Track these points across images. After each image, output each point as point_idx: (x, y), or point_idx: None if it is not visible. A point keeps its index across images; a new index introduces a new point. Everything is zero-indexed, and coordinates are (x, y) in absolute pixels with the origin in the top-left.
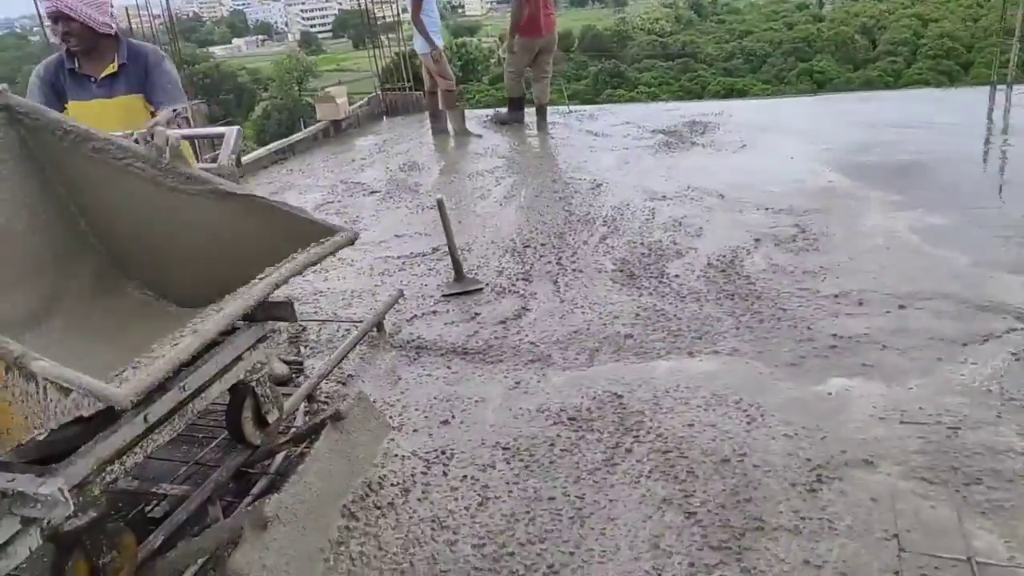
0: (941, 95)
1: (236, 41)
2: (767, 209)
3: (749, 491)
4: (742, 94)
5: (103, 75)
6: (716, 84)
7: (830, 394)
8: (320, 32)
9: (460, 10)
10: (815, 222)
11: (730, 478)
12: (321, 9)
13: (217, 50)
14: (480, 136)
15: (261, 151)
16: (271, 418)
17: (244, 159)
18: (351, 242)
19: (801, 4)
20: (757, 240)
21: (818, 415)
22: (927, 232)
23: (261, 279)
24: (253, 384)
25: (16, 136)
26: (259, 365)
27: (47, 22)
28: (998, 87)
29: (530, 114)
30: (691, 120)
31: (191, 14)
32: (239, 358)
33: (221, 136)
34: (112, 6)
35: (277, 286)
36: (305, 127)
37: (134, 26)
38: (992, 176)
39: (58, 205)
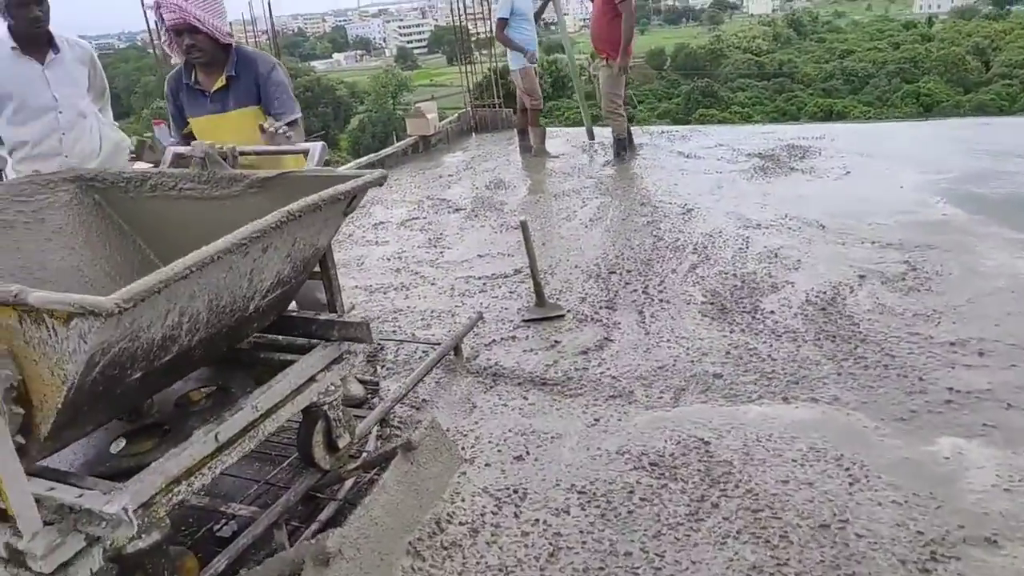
0: None
1: (336, 56)
2: (873, 243)
3: (851, 565)
4: (841, 116)
5: (215, 89)
6: (814, 105)
7: (946, 457)
8: (416, 48)
9: (553, 27)
10: (928, 259)
11: (829, 547)
12: (418, 26)
13: (318, 64)
14: (557, 156)
15: (350, 164)
16: (342, 443)
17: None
18: (380, 182)
19: (908, 23)
20: (862, 276)
21: (932, 480)
22: None
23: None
24: (325, 407)
25: (92, 202)
26: (332, 387)
27: (162, 36)
28: None
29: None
30: (789, 144)
31: (295, 29)
32: (312, 379)
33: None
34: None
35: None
36: (397, 140)
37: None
38: None
39: (134, 249)
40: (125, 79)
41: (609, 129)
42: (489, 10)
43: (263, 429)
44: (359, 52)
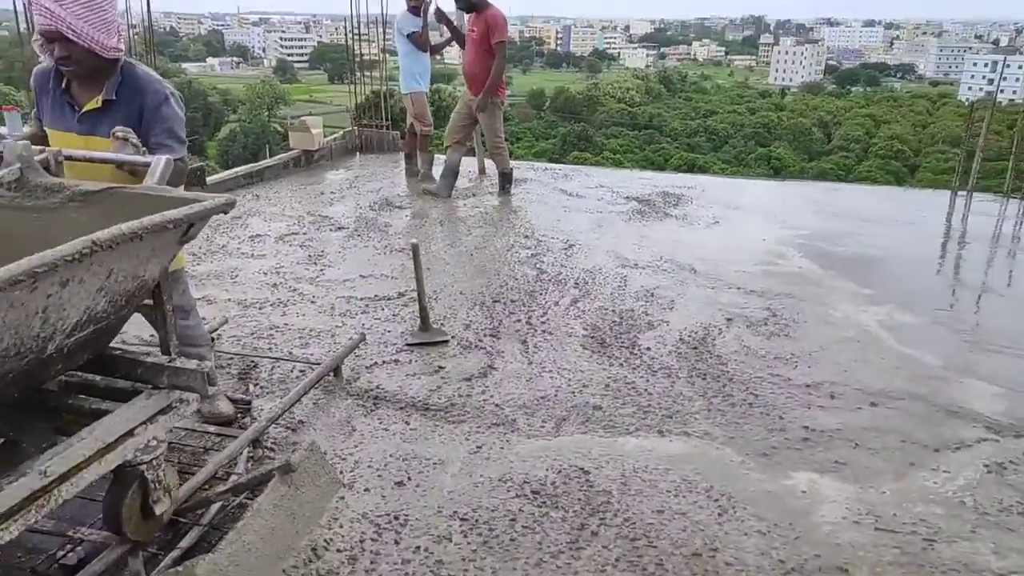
0: (902, 194)
1: (211, 60)
2: (739, 288)
3: None
4: (703, 170)
5: (86, 109)
6: (678, 158)
7: (803, 491)
8: (297, 62)
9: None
10: (786, 307)
11: (701, 575)
12: (300, 40)
13: (190, 67)
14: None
15: (227, 173)
16: (159, 508)
17: (210, 179)
18: (225, 209)
19: (764, 91)
20: (729, 320)
21: (791, 512)
22: (897, 329)
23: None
24: (143, 467)
25: None
26: (155, 442)
27: (34, 36)
28: (958, 192)
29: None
30: (664, 191)
31: (168, 27)
32: (130, 433)
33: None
34: (121, 24)
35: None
36: (271, 153)
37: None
38: (959, 279)
39: None
40: None
41: (487, 162)
42: (383, 32)
43: (57, 496)
44: (235, 59)
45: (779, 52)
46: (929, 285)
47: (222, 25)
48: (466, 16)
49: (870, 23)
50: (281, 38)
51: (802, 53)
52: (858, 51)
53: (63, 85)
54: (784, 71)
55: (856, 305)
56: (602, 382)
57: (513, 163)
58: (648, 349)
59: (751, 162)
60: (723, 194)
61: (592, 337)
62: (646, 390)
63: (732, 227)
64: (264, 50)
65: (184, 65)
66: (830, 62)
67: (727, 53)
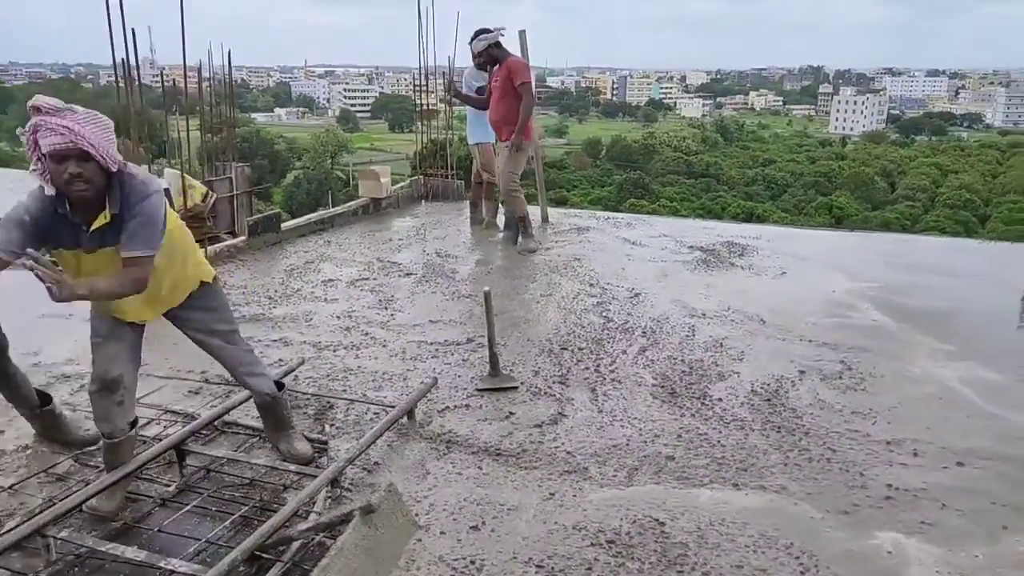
0: (976, 246)
1: (278, 110)
2: (810, 341)
3: None
4: (761, 219)
5: (94, 227)
6: (736, 207)
7: (889, 552)
8: (359, 111)
9: None
10: (862, 361)
11: None
12: (363, 90)
13: (259, 116)
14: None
15: (300, 220)
16: None
17: (284, 225)
18: None
19: (824, 140)
20: (802, 372)
21: (878, 573)
22: (980, 386)
23: None
24: None
25: None
26: None
27: (33, 164)
28: None
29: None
30: (728, 240)
31: (239, 80)
32: None
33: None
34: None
35: None
36: (333, 199)
37: (185, 86)
38: None
39: None
40: None
41: (559, 210)
42: (450, 83)
43: None
44: (301, 109)
45: (839, 101)
46: (1011, 341)
47: (289, 77)
48: (487, 75)
49: (934, 73)
50: (345, 89)
51: (863, 102)
52: (921, 100)
53: (67, 209)
54: (844, 120)
55: (935, 360)
56: (674, 432)
57: (573, 211)
58: (720, 400)
59: (811, 211)
60: (789, 244)
61: (662, 387)
62: (719, 442)
63: (800, 278)
64: (328, 100)
65: (253, 115)
66: (892, 111)
67: (785, 103)
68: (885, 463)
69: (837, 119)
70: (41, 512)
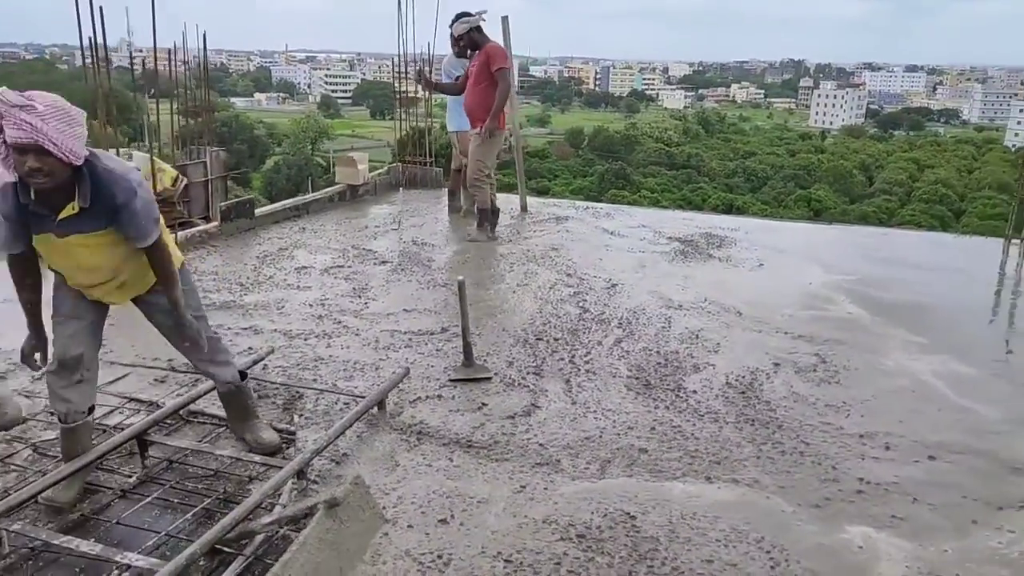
0: (952, 240)
1: (258, 95)
2: (786, 333)
3: None
4: (741, 211)
5: (61, 217)
6: (716, 198)
7: (860, 546)
8: (341, 98)
9: None
10: (836, 353)
11: None
12: (345, 77)
13: (238, 101)
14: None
15: (275, 206)
16: None
17: (257, 211)
18: None
19: (804, 134)
20: (776, 364)
21: (847, 568)
22: (953, 379)
23: None
24: None
25: None
26: None
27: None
28: (1012, 240)
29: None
30: (707, 232)
31: (219, 64)
32: None
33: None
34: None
35: None
36: (314, 185)
37: (161, 69)
38: (1015, 329)
39: None
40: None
41: (538, 200)
42: (430, 70)
43: None
44: (282, 95)
45: (819, 95)
46: (984, 334)
47: (270, 62)
48: (467, 62)
49: (912, 68)
50: (326, 75)
51: (843, 97)
52: (900, 96)
53: (30, 198)
54: (824, 114)
55: (909, 353)
56: (647, 425)
57: (552, 201)
58: (694, 392)
59: (791, 204)
60: (767, 236)
61: (636, 378)
62: (693, 434)
63: (777, 270)
64: (309, 86)
65: (232, 100)
66: (871, 106)
67: (766, 96)
68: (857, 456)
69: (817, 113)
70: None
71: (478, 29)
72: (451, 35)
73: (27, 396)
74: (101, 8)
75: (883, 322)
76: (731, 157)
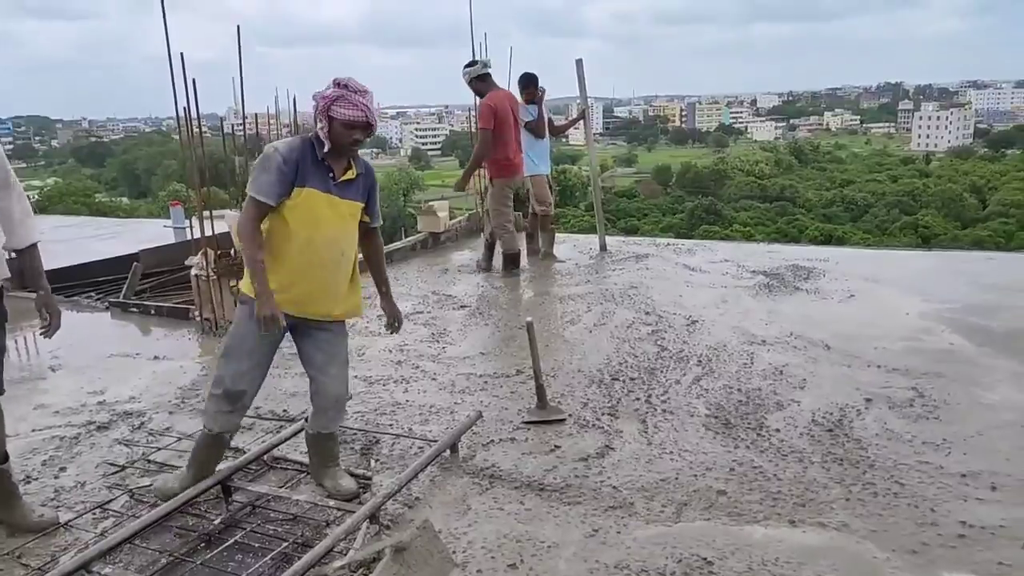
0: None
1: None
2: (879, 367)
3: None
4: (841, 241)
5: (343, 178)
6: (814, 229)
7: None
8: (430, 150)
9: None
10: (935, 387)
11: None
12: (433, 129)
13: None
14: (564, 261)
15: (360, 256)
16: None
17: None
18: None
19: (907, 158)
20: (868, 400)
21: None
22: None
23: None
24: None
25: None
26: None
27: (319, 121)
28: None
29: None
30: (793, 264)
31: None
32: None
33: None
34: None
35: None
36: (406, 234)
37: (262, 131)
38: None
39: None
40: (147, 161)
41: (606, 238)
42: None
43: None
44: (375, 150)
45: (921, 117)
46: None
47: None
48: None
49: (1023, 84)
50: (416, 129)
51: (947, 117)
52: (1011, 113)
53: (320, 158)
54: (928, 137)
55: (1017, 386)
56: (726, 465)
57: (633, 239)
58: (777, 431)
59: (896, 231)
60: (859, 266)
61: (716, 417)
62: (775, 475)
63: (870, 301)
64: (400, 140)
65: None
66: (980, 125)
67: (862, 121)
68: (959, 498)
69: (919, 136)
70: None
71: (480, 78)
72: (519, 82)
73: (126, 445)
74: (194, 81)
75: (989, 352)
76: (828, 186)
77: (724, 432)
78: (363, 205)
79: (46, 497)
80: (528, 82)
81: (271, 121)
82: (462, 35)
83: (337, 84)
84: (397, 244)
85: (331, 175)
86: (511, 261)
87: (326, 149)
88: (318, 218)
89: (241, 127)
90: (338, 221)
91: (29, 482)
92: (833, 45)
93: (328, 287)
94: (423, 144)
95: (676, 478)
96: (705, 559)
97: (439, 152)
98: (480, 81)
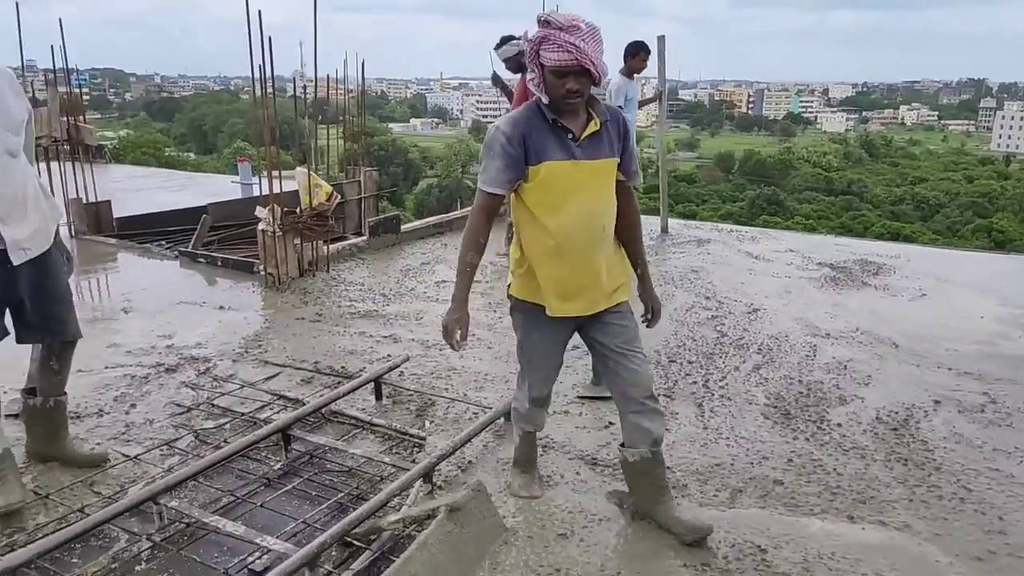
0: None
1: (414, 121)
2: (950, 369)
3: None
4: (909, 241)
5: (586, 134)
6: (880, 226)
7: None
8: (491, 122)
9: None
10: (1009, 393)
11: None
12: (495, 102)
13: (395, 126)
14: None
15: (419, 223)
16: None
17: (404, 227)
18: None
19: (985, 159)
20: (937, 402)
21: None
22: None
23: None
24: None
25: None
26: None
27: (531, 74)
28: None
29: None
30: (862, 258)
31: (379, 92)
32: None
33: None
34: None
35: None
36: (462, 207)
37: (329, 97)
38: None
39: None
40: (214, 119)
41: (680, 222)
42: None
43: None
44: (435, 120)
45: (1003, 116)
46: None
47: (426, 89)
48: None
49: None
50: (477, 101)
51: None
52: None
53: (550, 119)
54: (1010, 137)
55: None
56: (784, 456)
57: (695, 223)
58: (839, 425)
59: (967, 234)
60: (932, 265)
61: (775, 407)
62: (835, 470)
63: (943, 301)
64: (462, 112)
65: (390, 125)
66: None
67: (940, 118)
68: None
69: (1000, 136)
70: (156, 481)
71: (520, 53)
72: (630, 49)
73: (192, 388)
74: (270, 39)
75: None
76: (898, 183)
77: (783, 422)
78: (617, 160)
79: (117, 431)
80: (639, 49)
81: (334, 86)
82: (521, 8)
83: (540, 21)
84: (458, 212)
85: (570, 136)
86: None
87: (546, 102)
88: (566, 192)
89: (303, 90)
90: (592, 189)
91: (102, 415)
92: (915, 36)
93: (595, 270)
94: (484, 117)
95: (731, 464)
96: (759, 546)
97: None
98: (521, 56)
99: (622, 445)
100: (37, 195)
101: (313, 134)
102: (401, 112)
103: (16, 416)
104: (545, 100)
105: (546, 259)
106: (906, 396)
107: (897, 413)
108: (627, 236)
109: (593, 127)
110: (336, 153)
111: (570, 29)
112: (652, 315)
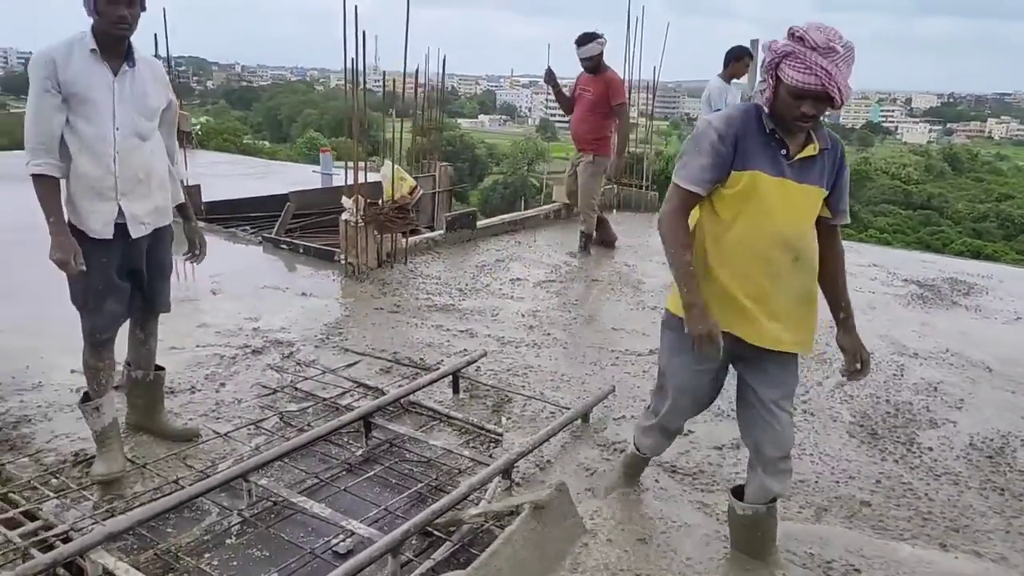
0: None
1: (482, 117)
2: None
3: None
4: (991, 260)
5: (801, 155)
6: (961, 243)
7: None
8: (559, 122)
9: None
10: None
11: None
12: None
13: (464, 122)
14: None
15: (494, 220)
16: None
17: (480, 223)
18: None
19: None
20: None
21: None
22: None
23: None
24: None
25: None
26: None
27: (762, 76)
28: None
29: None
30: (952, 277)
31: (450, 87)
32: None
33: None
34: None
35: None
36: (526, 204)
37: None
38: None
39: None
40: (289, 109)
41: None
42: (652, 97)
43: None
44: (503, 117)
45: None
46: None
47: (496, 86)
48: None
49: None
50: (546, 99)
51: None
52: None
53: (768, 128)
54: None
55: None
56: (872, 477)
57: None
58: (930, 449)
59: None
60: None
61: (861, 426)
62: (927, 495)
63: None
64: (530, 110)
65: (459, 120)
66: None
67: None
68: None
69: None
70: (246, 459)
71: (602, 54)
72: (734, 54)
73: (277, 371)
74: (364, 33)
75: None
76: (982, 199)
77: (870, 442)
78: (826, 192)
79: (208, 408)
80: (743, 53)
81: (405, 80)
82: (594, 8)
83: (792, 35)
84: (532, 211)
85: (783, 152)
86: (589, 240)
87: (767, 112)
88: (765, 210)
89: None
90: (792, 213)
91: (194, 392)
92: (1008, 47)
93: (773, 302)
94: (551, 116)
95: (816, 481)
96: (853, 566)
97: (567, 124)
98: (601, 55)
99: (734, 493)
100: (163, 178)
101: (382, 127)
102: (470, 108)
103: (118, 388)
104: (767, 109)
105: (720, 275)
106: (1001, 423)
107: (992, 440)
108: (828, 277)
109: (811, 151)
110: (404, 147)
111: (825, 52)
112: (862, 366)
